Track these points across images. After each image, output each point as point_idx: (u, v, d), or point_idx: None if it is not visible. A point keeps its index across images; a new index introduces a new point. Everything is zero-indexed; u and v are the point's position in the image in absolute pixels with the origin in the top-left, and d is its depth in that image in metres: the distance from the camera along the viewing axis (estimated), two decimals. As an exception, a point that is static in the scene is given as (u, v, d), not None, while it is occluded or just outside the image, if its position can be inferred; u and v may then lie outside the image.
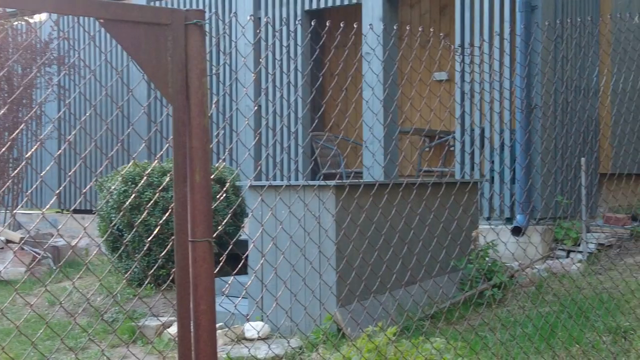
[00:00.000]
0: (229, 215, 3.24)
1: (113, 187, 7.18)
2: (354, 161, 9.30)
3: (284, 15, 9.12)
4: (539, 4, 7.43)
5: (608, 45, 7.74)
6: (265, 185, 5.70)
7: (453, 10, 8.32)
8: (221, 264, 2.90)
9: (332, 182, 5.22)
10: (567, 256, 7.25)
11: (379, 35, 6.70)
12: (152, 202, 6.81)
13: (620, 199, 8.03)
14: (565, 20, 7.67)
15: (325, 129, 9.38)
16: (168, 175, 7.34)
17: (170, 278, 2.70)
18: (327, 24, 3.68)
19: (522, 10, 7.42)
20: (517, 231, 7.13)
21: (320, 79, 4.16)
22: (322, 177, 8.21)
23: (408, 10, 10.24)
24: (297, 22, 8.58)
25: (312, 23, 3.61)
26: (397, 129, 7.88)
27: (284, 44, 9.12)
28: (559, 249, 7.36)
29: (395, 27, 4.67)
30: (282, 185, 5.58)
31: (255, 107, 8.88)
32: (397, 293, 5.21)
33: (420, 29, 4.39)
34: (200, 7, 9.84)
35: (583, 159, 7.18)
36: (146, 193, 7.01)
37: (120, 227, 7.20)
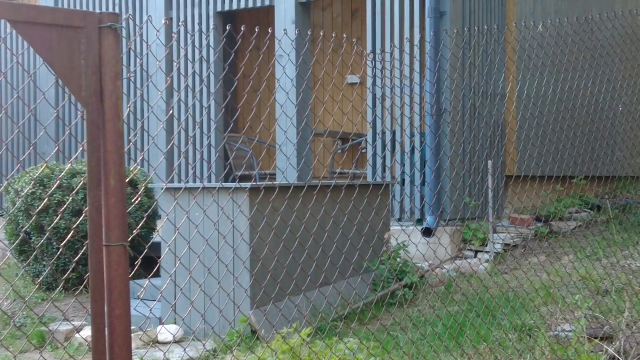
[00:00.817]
0: (144, 219, 3.23)
1: (20, 189, 7.01)
2: (268, 164, 9.34)
3: (197, 15, 9.08)
4: (447, 10, 7.63)
5: (513, 52, 8.01)
6: (179, 188, 5.67)
7: (364, 14, 8.46)
8: (136, 267, 2.90)
9: (247, 184, 5.24)
10: (475, 256, 7.47)
11: (293, 41, 6.77)
12: (65, 205, 6.68)
13: (525, 201, 8.31)
14: (473, 28, 7.89)
15: (241, 132, 9.39)
16: (78, 176, 7.22)
17: (85, 282, 2.69)
18: (242, 28, 3.70)
19: (431, 15, 7.60)
20: (427, 232, 7.30)
21: (236, 83, 4.18)
22: (236, 179, 8.22)
23: (320, 13, 10.35)
24: (212, 28, 8.56)
25: (228, 27, 3.63)
26: (311, 132, 7.96)
27: (198, 46, 9.08)
28: (467, 249, 7.58)
29: (309, 33, 4.73)
30: (196, 188, 5.57)
31: (170, 111, 8.82)
32: (311, 294, 5.27)
33: (333, 35, 4.46)
34: (111, 6, 9.71)
35: (490, 162, 7.42)
36: (55, 195, 6.88)
37: (28, 230, 7.04)
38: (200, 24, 9.06)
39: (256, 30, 3.78)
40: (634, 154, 10.34)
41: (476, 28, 7.90)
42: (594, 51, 7.99)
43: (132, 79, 9.21)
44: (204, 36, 8.97)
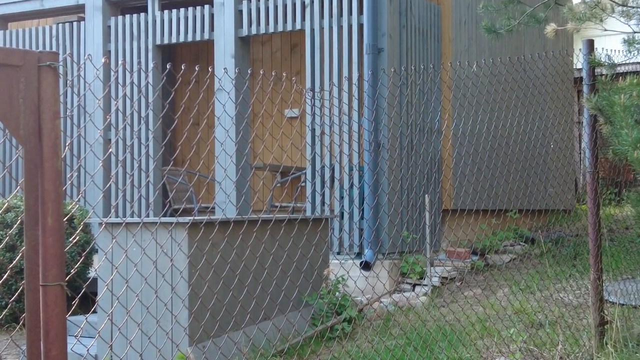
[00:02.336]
0: (82, 257, 3.21)
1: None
2: (208, 198, 9.32)
3: (135, 49, 9.07)
4: (385, 47, 7.78)
5: (449, 90, 8.20)
6: (118, 223, 5.63)
7: (303, 49, 8.56)
8: (74, 307, 2.88)
9: (186, 219, 5.23)
10: (413, 290, 7.55)
11: (232, 79, 6.82)
12: (2, 243, 6.56)
13: (461, 234, 8.47)
14: (410, 66, 8.06)
15: (181, 167, 9.37)
16: (12, 211, 7.10)
17: (21, 322, 2.66)
18: (183, 67, 3.74)
19: (369, 52, 7.74)
20: (365, 266, 7.37)
21: (176, 121, 4.19)
22: (176, 212, 8.17)
23: (259, 47, 10.44)
24: (152, 66, 8.56)
25: (168, 66, 3.66)
26: (250, 168, 7.99)
27: (137, 83, 9.06)
28: (405, 283, 7.66)
29: (249, 71, 4.78)
30: (135, 223, 5.53)
31: (110, 149, 8.75)
32: (250, 330, 5.27)
33: (273, 73, 4.53)
34: (48, 39, 9.64)
35: (427, 197, 7.55)
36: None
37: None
38: (139, 57, 9.04)
39: (196, 68, 3.82)
40: (565, 189, 10.63)
41: (412, 67, 8.07)
42: (526, 90, 8.24)
43: (70, 117, 9.13)
44: (143, 74, 8.94)
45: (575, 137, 12.87)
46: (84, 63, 3.49)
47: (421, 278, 7.59)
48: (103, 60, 3.84)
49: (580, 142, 13.10)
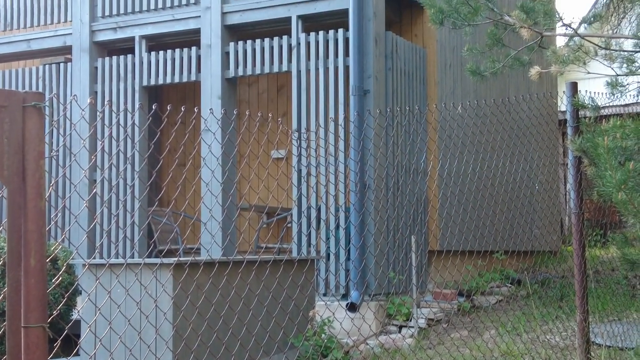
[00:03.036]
0: (65, 299, 3.17)
1: None
2: (193, 239, 9.28)
3: (122, 90, 9.10)
4: (370, 89, 7.83)
5: (434, 131, 8.25)
6: (102, 264, 5.57)
7: (290, 91, 8.61)
8: (56, 349, 2.84)
9: (171, 260, 5.19)
10: (399, 331, 7.51)
11: (219, 120, 6.84)
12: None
13: (448, 276, 8.45)
14: (395, 107, 8.11)
15: (166, 207, 9.34)
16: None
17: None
18: (169, 107, 3.74)
19: (355, 94, 7.79)
20: (351, 308, 7.32)
21: (161, 162, 4.19)
22: (160, 253, 8.11)
23: (246, 88, 10.48)
24: (137, 107, 8.58)
25: (154, 107, 3.66)
26: (236, 209, 7.97)
27: (123, 124, 9.06)
28: (392, 325, 7.62)
29: (235, 112, 4.80)
30: (119, 265, 5.48)
31: (95, 190, 8.72)
32: (234, 373, 5.20)
33: (259, 114, 4.54)
34: (34, 80, 9.65)
35: (413, 238, 7.54)
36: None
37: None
38: (126, 98, 9.06)
39: (182, 109, 3.82)
40: (551, 230, 10.66)
41: (398, 109, 8.12)
42: (511, 131, 8.30)
43: (55, 157, 9.11)
44: (129, 114, 8.96)
45: (560, 179, 12.95)
46: (70, 103, 3.49)
47: (408, 319, 7.55)
48: (89, 100, 3.84)
49: (565, 183, 13.18)
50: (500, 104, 8.18)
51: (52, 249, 6.37)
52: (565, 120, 5.28)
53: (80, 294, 6.93)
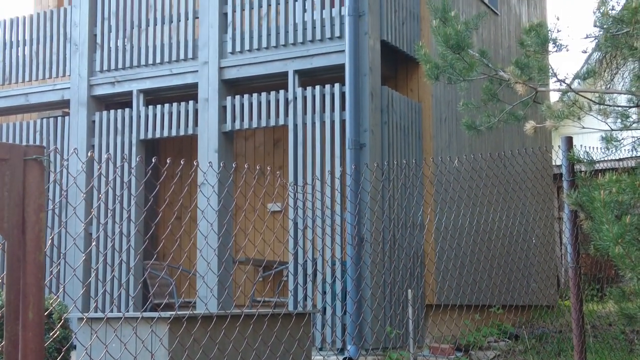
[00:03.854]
0: (62, 353, 3.15)
1: None
2: (191, 292, 9.23)
3: (119, 143, 9.13)
4: (367, 142, 7.88)
5: (431, 185, 8.28)
6: (98, 319, 5.53)
7: (286, 144, 8.65)
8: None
9: (168, 314, 5.16)
10: (397, 387, 7.42)
11: (217, 172, 6.87)
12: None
13: (445, 330, 8.39)
14: (392, 161, 8.16)
15: (164, 260, 9.31)
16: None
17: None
18: (168, 161, 3.77)
19: (352, 147, 7.84)
20: (349, 362, 7.25)
21: (160, 214, 4.22)
22: (158, 307, 8.05)
23: (243, 142, 10.54)
24: (137, 160, 8.61)
25: (153, 160, 3.69)
26: (234, 262, 7.95)
27: (122, 175, 9.09)
28: (389, 380, 7.53)
29: (233, 165, 4.82)
30: (116, 318, 5.44)
31: (93, 243, 8.70)
32: None
33: (257, 167, 4.57)
34: (32, 133, 9.68)
35: (410, 292, 7.51)
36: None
37: None
38: (123, 152, 9.09)
39: (181, 162, 3.85)
40: (548, 284, 10.63)
41: (395, 162, 8.17)
42: (507, 185, 8.34)
43: (56, 210, 9.11)
44: (127, 167, 8.98)
45: (557, 233, 12.95)
46: (68, 157, 3.51)
47: (405, 375, 7.47)
48: (89, 154, 3.87)
49: (562, 237, 13.19)
50: (497, 158, 8.24)
51: (50, 302, 6.33)
52: (561, 174, 5.32)
53: (75, 348, 6.87)
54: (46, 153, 2.84)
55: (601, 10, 4.16)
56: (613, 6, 4.20)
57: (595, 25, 4.37)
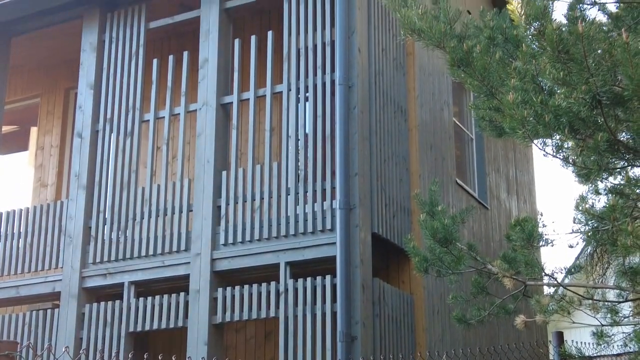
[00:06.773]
0: None
1: None
2: None
3: (107, 336, 8.96)
4: (358, 335, 7.75)
5: None
6: None
7: (277, 336, 8.49)
8: None
9: None
10: None
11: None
12: None
13: None
14: (384, 355, 7.98)
15: None
16: None
17: None
18: (160, 357, 3.68)
19: (342, 340, 7.69)
20: None
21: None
22: None
23: (234, 334, 10.35)
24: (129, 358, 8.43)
25: (145, 357, 3.60)
26: None
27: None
28: None
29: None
30: None
31: None
32: None
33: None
34: (21, 327, 9.51)
35: None
36: None
37: None
38: (111, 345, 8.91)
39: (173, 359, 3.76)
40: None
41: (391, 356, 7.98)
42: None
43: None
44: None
45: None
46: (58, 353, 3.44)
47: None
48: (64, 349, 3.78)
49: None
50: (493, 352, 8.07)
51: None
52: (557, 367, 5.19)
53: None
54: (19, 349, 2.78)
55: (580, 208, 4.23)
56: (593, 204, 4.28)
57: (574, 222, 4.43)
